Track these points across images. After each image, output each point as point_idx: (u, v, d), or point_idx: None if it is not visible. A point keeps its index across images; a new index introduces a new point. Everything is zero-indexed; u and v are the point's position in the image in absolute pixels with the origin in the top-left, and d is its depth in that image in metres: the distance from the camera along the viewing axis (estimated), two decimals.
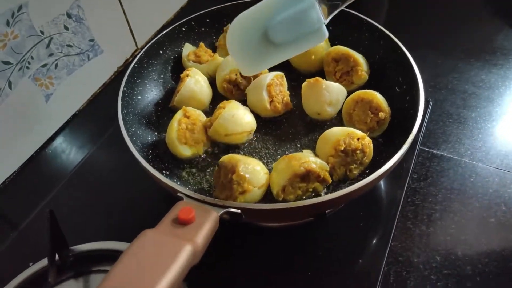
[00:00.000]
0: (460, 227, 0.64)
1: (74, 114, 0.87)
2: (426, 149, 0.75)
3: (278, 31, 0.49)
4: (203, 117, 0.65)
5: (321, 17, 0.48)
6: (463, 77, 0.86)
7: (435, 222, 0.65)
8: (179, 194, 0.46)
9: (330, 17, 0.50)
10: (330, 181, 0.54)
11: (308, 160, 0.52)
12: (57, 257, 0.52)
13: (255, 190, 0.52)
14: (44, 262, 0.53)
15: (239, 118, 0.60)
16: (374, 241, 0.61)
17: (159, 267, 0.33)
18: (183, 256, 0.35)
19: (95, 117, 0.86)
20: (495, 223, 0.64)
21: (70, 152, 0.80)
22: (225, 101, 0.63)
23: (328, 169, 0.54)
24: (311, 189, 0.53)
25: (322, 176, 0.52)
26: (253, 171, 0.52)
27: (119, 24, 0.92)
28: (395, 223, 0.63)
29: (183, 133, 0.61)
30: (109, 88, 0.91)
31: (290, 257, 0.60)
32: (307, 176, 0.52)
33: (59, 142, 0.81)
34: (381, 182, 0.69)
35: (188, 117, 0.62)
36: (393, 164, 0.49)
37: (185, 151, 0.61)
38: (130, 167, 0.70)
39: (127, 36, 0.96)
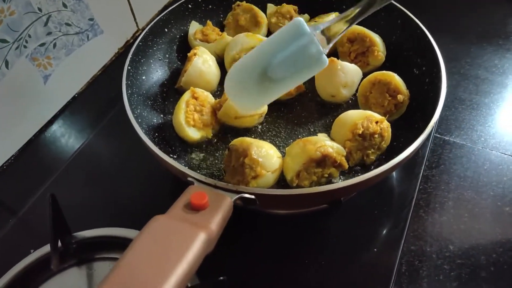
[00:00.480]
0: (474, 215, 0.62)
1: (74, 96, 0.84)
2: (439, 135, 0.72)
3: (278, 70, 0.48)
4: (211, 99, 0.62)
5: (320, 49, 0.48)
6: (476, 62, 0.84)
7: (448, 211, 0.63)
8: (189, 179, 0.43)
9: (330, 46, 0.50)
10: (347, 166, 0.52)
11: (325, 144, 0.49)
12: (59, 243, 0.50)
13: (268, 175, 0.50)
14: (46, 248, 0.51)
15: None
16: (388, 230, 0.59)
17: (173, 256, 0.31)
18: (198, 244, 0.33)
19: (95, 100, 0.83)
20: (510, 212, 0.63)
21: (70, 136, 0.77)
22: None
23: (345, 153, 0.52)
24: (326, 175, 0.51)
25: (338, 161, 0.50)
26: (266, 155, 0.50)
27: (119, 3, 0.88)
28: (411, 213, 0.61)
29: (191, 115, 0.58)
30: (110, 70, 0.88)
31: (302, 245, 0.59)
32: (323, 161, 0.50)
33: (58, 125, 0.79)
34: (396, 172, 0.67)
35: (196, 98, 0.59)
36: (413, 151, 0.47)
37: (194, 134, 0.59)
38: (133, 151, 0.69)
39: (128, 16, 0.92)
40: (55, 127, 0.78)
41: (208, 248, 0.35)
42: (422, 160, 0.67)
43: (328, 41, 0.49)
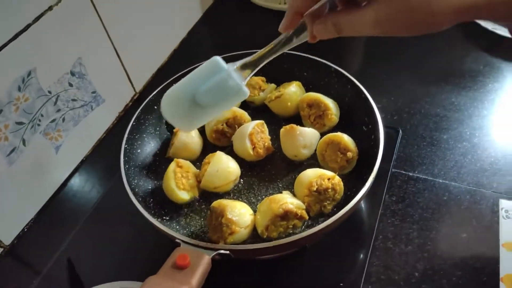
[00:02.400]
0: (436, 243, 0.71)
1: (82, 160, 0.95)
2: (403, 172, 0.81)
3: (204, 98, 0.56)
4: (192, 166, 0.74)
5: (237, 82, 0.55)
6: (435, 101, 0.94)
7: (413, 241, 0.72)
8: (177, 240, 0.54)
9: (247, 79, 0.58)
10: (307, 217, 0.61)
11: (286, 201, 0.60)
12: None
13: (242, 231, 0.60)
14: None
15: (222, 172, 0.69)
16: (353, 264, 0.68)
17: None
18: None
19: (101, 160, 0.94)
20: (466, 238, 0.71)
21: (81, 196, 0.88)
22: (209, 155, 0.71)
23: (304, 207, 0.62)
24: (291, 226, 0.61)
25: (299, 214, 0.60)
26: (239, 214, 0.60)
27: (117, 72, 1.00)
28: (371, 245, 0.70)
29: (181, 180, 0.69)
30: (112, 132, 0.99)
31: (274, 284, 0.67)
32: (286, 215, 0.60)
33: (70, 187, 0.89)
34: (361, 208, 0.76)
35: (181, 167, 0.70)
36: (360, 199, 0.56)
37: (184, 196, 0.69)
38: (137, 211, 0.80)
39: (125, 82, 1.04)
40: (67, 189, 0.89)
41: None
42: (380, 201, 0.76)
43: (246, 74, 0.57)
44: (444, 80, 0.98)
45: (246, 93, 0.58)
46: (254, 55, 0.58)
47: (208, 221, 0.63)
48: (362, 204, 0.76)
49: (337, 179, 0.63)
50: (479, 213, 0.74)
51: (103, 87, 0.96)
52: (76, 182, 0.90)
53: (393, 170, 0.81)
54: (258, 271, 0.69)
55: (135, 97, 1.07)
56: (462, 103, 0.93)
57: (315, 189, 0.61)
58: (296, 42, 0.55)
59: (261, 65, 0.59)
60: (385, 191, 0.77)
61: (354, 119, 0.73)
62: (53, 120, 0.85)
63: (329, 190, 0.62)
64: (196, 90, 0.56)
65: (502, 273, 0.66)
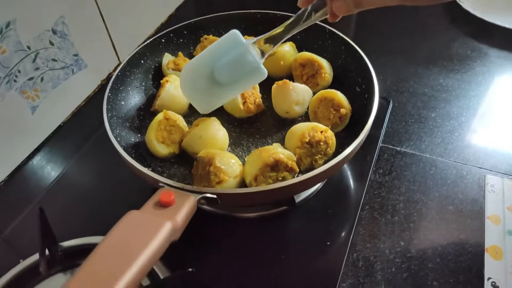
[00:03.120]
0: (422, 214, 0.70)
1: (59, 125, 0.90)
2: (391, 146, 0.81)
3: (222, 73, 0.56)
4: (181, 121, 0.70)
5: (256, 59, 0.56)
6: (423, 82, 0.94)
7: (399, 212, 0.71)
8: (160, 184, 0.51)
9: (265, 57, 0.58)
10: (298, 170, 0.59)
11: (277, 151, 0.57)
12: (47, 252, 0.56)
13: (230, 180, 0.57)
14: (34, 258, 0.57)
15: (206, 139, 0.65)
16: (340, 227, 0.67)
17: (141, 241, 0.38)
18: (163, 231, 0.40)
19: (79, 128, 0.90)
20: (452, 210, 0.70)
21: (56, 161, 0.83)
22: (202, 118, 0.68)
23: (295, 159, 0.59)
24: (280, 178, 0.58)
25: (290, 166, 0.57)
26: (228, 163, 0.58)
27: (102, 40, 0.97)
28: (358, 215, 0.69)
29: (161, 133, 0.66)
30: (93, 101, 0.96)
31: (264, 242, 0.66)
32: (276, 166, 0.57)
33: (45, 152, 0.85)
34: (348, 176, 0.75)
35: (167, 119, 0.67)
36: (351, 151, 0.55)
37: (161, 149, 0.66)
38: (114, 169, 0.77)
39: (110, 51, 1.01)
40: (42, 153, 0.85)
41: (174, 236, 0.42)
42: (370, 167, 0.75)
43: (262, 54, 0.58)
44: (433, 63, 0.99)
45: (265, 72, 0.58)
46: (272, 31, 0.58)
47: (193, 172, 0.61)
48: (350, 175, 0.75)
49: (330, 133, 0.61)
50: (465, 187, 0.74)
51: (86, 51, 0.92)
52: (52, 148, 0.86)
53: (381, 144, 0.81)
54: (245, 230, 0.68)
55: (119, 67, 1.03)
56: (450, 84, 0.93)
57: (307, 140, 0.59)
58: (315, 19, 0.55)
59: (280, 42, 0.58)
60: (373, 163, 0.77)
61: (348, 80, 0.72)
62: (31, 78, 0.81)
63: (322, 143, 0.60)
64: (215, 64, 0.56)
65: (487, 244, 0.66)
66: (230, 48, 0.56)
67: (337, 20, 0.55)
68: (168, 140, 0.67)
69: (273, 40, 0.57)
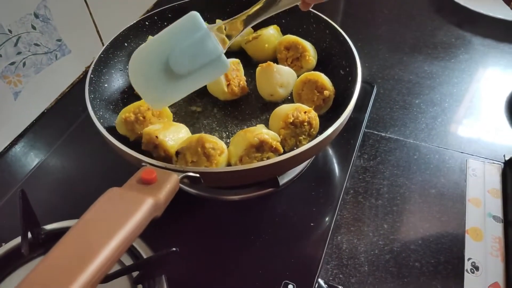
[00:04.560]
0: (405, 198, 0.71)
1: (43, 112, 0.89)
2: (376, 132, 0.82)
3: (178, 62, 0.50)
4: (165, 110, 0.67)
5: (218, 46, 0.50)
6: (408, 69, 0.95)
7: (383, 195, 0.72)
8: (143, 164, 0.50)
9: (227, 46, 0.52)
10: (282, 150, 0.59)
11: (261, 132, 0.57)
12: (29, 235, 0.55)
13: (224, 155, 0.57)
14: (16, 241, 0.56)
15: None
16: (324, 210, 0.67)
17: (122, 216, 0.37)
18: (146, 206, 0.40)
19: (63, 114, 0.89)
20: (435, 193, 0.71)
21: (40, 147, 0.82)
22: (171, 123, 0.64)
23: (279, 139, 0.60)
24: (265, 159, 0.58)
25: (274, 146, 0.57)
26: (216, 139, 0.58)
27: (86, 25, 0.96)
28: (342, 193, 0.70)
29: (129, 115, 0.62)
30: (77, 87, 0.95)
31: (248, 224, 0.66)
32: (261, 146, 0.57)
33: (28, 138, 0.84)
34: (333, 160, 0.75)
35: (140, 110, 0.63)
36: (334, 130, 0.55)
37: (122, 130, 0.64)
38: (99, 154, 0.77)
39: (94, 37, 0.99)
40: (25, 140, 0.84)
41: (155, 213, 0.41)
42: (353, 150, 0.76)
43: (228, 38, 0.52)
44: (418, 50, 1.00)
45: (226, 64, 0.51)
46: (235, 16, 0.52)
47: (180, 163, 0.56)
48: (334, 159, 0.76)
49: (313, 114, 0.61)
50: (448, 171, 0.75)
51: (70, 36, 0.91)
52: (36, 135, 0.85)
53: (366, 130, 0.82)
54: (230, 213, 0.68)
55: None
56: (434, 71, 0.94)
57: (291, 121, 0.59)
58: (285, 4, 0.51)
59: (245, 30, 0.53)
60: (357, 148, 0.77)
61: (332, 64, 0.72)
62: (13, 63, 0.79)
63: (305, 123, 0.60)
64: (170, 51, 0.50)
65: (468, 226, 0.67)
66: (188, 33, 0.49)
67: (309, 9, 0.52)
68: (131, 130, 0.64)
69: (235, 30, 0.52)
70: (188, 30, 0.50)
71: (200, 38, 0.49)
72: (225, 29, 0.53)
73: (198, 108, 0.72)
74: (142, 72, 0.53)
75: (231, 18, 0.53)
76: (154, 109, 0.61)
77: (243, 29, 0.53)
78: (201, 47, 0.49)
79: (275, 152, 0.58)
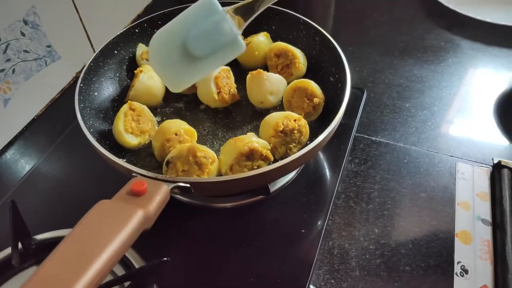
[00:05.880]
0: (395, 202, 0.72)
1: (33, 118, 0.89)
2: (366, 136, 0.82)
3: (196, 44, 0.51)
4: (147, 110, 0.69)
5: (233, 29, 0.51)
6: (398, 73, 0.96)
7: (374, 200, 0.72)
8: (133, 174, 0.50)
9: (242, 28, 0.54)
10: (272, 158, 0.59)
11: (251, 140, 0.58)
12: (20, 246, 0.55)
13: (215, 164, 0.58)
14: (7, 252, 0.56)
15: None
16: (315, 215, 0.68)
17: (112, 228, 0.38)
18: (136, 219, 0.40)
19: (54, 121, 0.89)
20: (425, 197, 0.72)
21: (30, 154, 0.82)
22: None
23: (269, 148, 0.60)
24: (255, 167, 0.59)
25: (264, 154, 0.58)
26: (205, 148, 0.58)
27: (75, 31, 0.95)
28: (333, 198, 0.71)
29: (129, 123, 0.65)
30: (68, 93, 0.94)
31: (240, 231, 0.67)
32: (251, 155, 0.57)
33: (18, 145, 0.83)
34: (324, 166, 0.76)
35: (133, 110, 0.66)
36: (324, 138, 0.56)
37: (131, 139, 0.66)
38: (89, 163, 0.77)
39: (85, 42, 0.99)
40: (15, 147, 0.83)
41: (145, 225, 0.42)
42: (344, 156, 0.76)
43: (244, 21, 0.53)
44: (408, 54, 1.01)
45: (243, 45, 0.53)
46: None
47: (171, 172, 0.57)
48: (325, 164, 0.76)
49: (303, 121, 0.62)
50: (437, 175, 0.75)
51: (59, 42, 0.90)
52: (26, 142, 0.84)
53: (356, 134, 0.82)
54: (220, 220, 0.69)
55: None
56: (424, 75, 0.95)
57: (281, 129, 0.60)
58: None
59: (259, 11, 0.53)
60: (347, 152, 0.78)
61: (321, 71, 0.73)
62: (2, 70, 0.79)
63: (295, 131, 0.61)
64: (188, 34, 0.51)
65: (457, 229, 0.68)
66: (205, 16, 0.51)
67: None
68: (137, 130, 0.66)
69: (250, 11, 0.52)
70: (205, 13, 0.51)
71: (217, 20, 0.51)
72: (240, 11, 0.54)
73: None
74: (161, 55, 0.55)
75: (243, 2, 0.54)
76: (173, 91, 0.62)
77: (259, 11, 0.53)
78: (217, 30, 0.51)
79: (265, 160, 0.59)
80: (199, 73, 0.57)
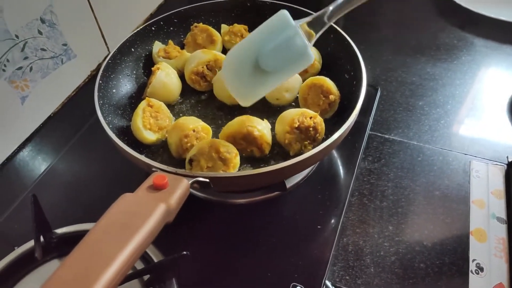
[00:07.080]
0: (409, 200, 0.72)
1: (50, 116, 0.90)
2: (380, 134, 0.83)
3: (268, 60, 0.52)
4: (164, 107, 0.70)
5: (305, 42, 0.52)
6: (411, 71, 0.96)
7: (388, 197, 0.72)
8: (153, 169, 0.51)
9: (313, 40, 0.54)
10: (266, 153, 0.61)
11: (255, 126, 0.59)
12: (42, 239, 0.56)
13: (237, 157, 0.59)
14: (28, 245, 0.57)
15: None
16: (330, 212, 0.68)
17: (136, 222, 0.38)
18: (158, 212, 0.40)
19: (70, 118, 0.90)
20: (439, 195, 0.72)
21: (47, 151, 0.83)
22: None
23: (270, 141, 0.61)
24: (249, 150, 0.61)
25: (260, 144, 0.60)
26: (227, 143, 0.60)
27: (91, 30, 0.96)
28: (348, 196, 0.71)
29: (148, 119, 0.66)
30: (83, 91, 0.95)
31: (256, 227, 0.67)
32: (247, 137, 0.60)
33: (36, 142, 0.85)
34: (338, 163, 0.76)
35: (151, 106, 0.67)
36: (339, 136, 0.56)
37: (149, 135, 0.67)
38: (107, 158, 0.78)
39: (99, 41, 1.00)
40: (32, 144, 0.84)
41: (167, 218, 0.42)
42: (358, 153, 0.77)
43: (312, 35, 0.54)
44: (420, 52, 1.01)
45: (312, 56, 0.53)
46: (322, 10, 0.53)
47: (196, 170, 0.58)
48: (339, 162, 0.77)
49: (319, 119, 0.62)
50: (451, 173, 0.76)
51: (75, 41, 0.91)
52: (43, 139, 0.86)
53: (370, 132, 0.82)
54: (238, 216, 0.69)
55: (109, 55, 1.03)
56: (437, 73, 0.95)
57: (296, 125, 0.60)
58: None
59: (330, 23, 0.54)
60: (362, 150, 0.78)
61: (336, 68, 0.73)
62: (20, 68, 0.80)
63: (311, 129, 0.61)
64: (261, 50, 0.52)
65: (472, 227, 0.68)
66: (279, 31, 0.51)
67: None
68: (155, 127, 0.67)
69: (321, 24, 0.52)
70: (278, 29, 0.52)
71: (289, 35, 0.51)
72: (311, 24, 0.54)
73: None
74: (235, 72, 0.56)
75: (314, 15, 0.54)
76: (243, 105, 0.63)
77: (329, 23, 0.54)
78: (290, 44, 0.52)
79: (259, 150, 0.60)
80: (269, 87, 0.57)
